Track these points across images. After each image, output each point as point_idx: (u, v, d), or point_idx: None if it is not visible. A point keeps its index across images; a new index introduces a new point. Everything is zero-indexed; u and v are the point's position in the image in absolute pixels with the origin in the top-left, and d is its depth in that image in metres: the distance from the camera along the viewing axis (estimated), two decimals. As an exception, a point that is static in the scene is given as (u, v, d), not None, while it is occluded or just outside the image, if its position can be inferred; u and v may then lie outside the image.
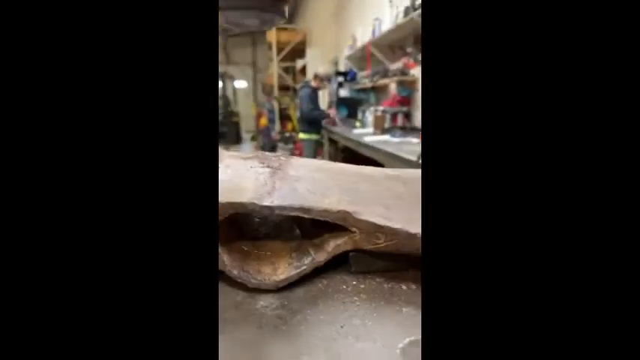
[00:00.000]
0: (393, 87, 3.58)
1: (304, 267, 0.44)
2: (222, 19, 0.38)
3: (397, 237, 0.42)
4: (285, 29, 7.60)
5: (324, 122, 4.04)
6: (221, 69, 9.52)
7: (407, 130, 2.98)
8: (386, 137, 2.80)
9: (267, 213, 0.43)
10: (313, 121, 3.92)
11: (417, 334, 0.35)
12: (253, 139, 8.83)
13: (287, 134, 7.05)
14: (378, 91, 4.07)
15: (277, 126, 7.24)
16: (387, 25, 3.42)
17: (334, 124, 4.15)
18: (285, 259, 0.45)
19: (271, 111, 7.39)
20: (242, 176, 0.48)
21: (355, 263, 0.47)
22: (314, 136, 4.04)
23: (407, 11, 2.95)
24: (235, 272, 0.42)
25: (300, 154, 5.80)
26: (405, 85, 3.38)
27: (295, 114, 5.98)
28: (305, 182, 0.47)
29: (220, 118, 8.55)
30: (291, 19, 9.10)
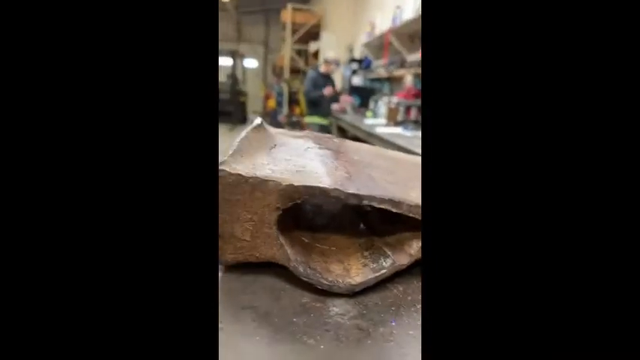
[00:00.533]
0: (409, 79, 3.49)
1: (384, 270, 0.38)
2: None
3: None
4: (301, 10, 7.44)
5: (334, 108, 3.95)
6: (232, 46, 9.39)
7: (420, 124, 2.91)
8: (398, 130, 2.73)
9: (354, 202, 0.37)
10: (315, 103, 3.83)
11: None
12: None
13: (294, 119, 6.97)
14: (393, 81, 3.98)
15: (285, 109, 7.15)
16: (408, 14, 3.31)
17: (344, 111, 4.07)
18: (356, 258, 0.39)
19: (280, 93, 7.29)
20: (304, 157, 0.42)
21: None
22: (318, 120, 3.95)
23: (432, 1, 2.84)
24: (301, 269, 0.36)
25: (307, 140, 5.72)
26: (422, 78, 3.29)
27: (303, 98, 5.89)
28: (377, 170, 0.41)
29: (227, 96, 8.46)
30: (308, 0, 8.92)
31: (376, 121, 3.35)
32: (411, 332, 0.33)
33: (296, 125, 6.87)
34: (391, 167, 0.44)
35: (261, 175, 0.36)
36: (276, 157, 0.42)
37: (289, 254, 0.37)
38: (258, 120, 0.50)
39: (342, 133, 4.25)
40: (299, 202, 0.36)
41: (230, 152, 0.38)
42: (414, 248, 0.39)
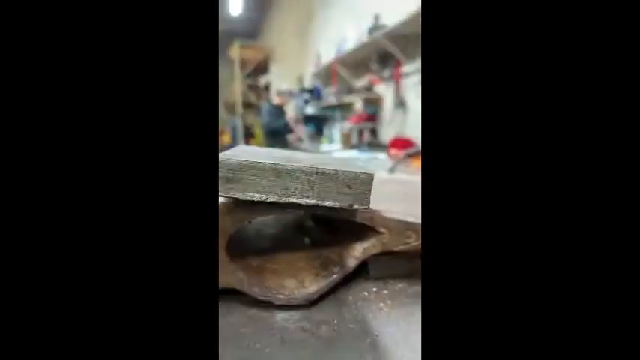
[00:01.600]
0: (358, 104, 3.62)
1: (335, 276, 0.39)
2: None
3: None
4: (248, 46, 7.58)
5: (290, 139, 4.01)
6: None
7: (374, 145, 3.01)
8: (354, 153, 2.81)
9: (292, 208, 0.38)
10: (276, 134, 3.88)
11: None
12: (216, 156, 8.63)
13: (251, 151, 6.94)
14: (344, 108, 4.11)
15: (241, 144, 7.13)
16: (351, 44, 3.47)
17: (300, 140, 4.13)
18: (307, 270, 0.40)
19: (234, 128, 7.28)
20: None
21: (374, 268, 0.43)
22: (279, 152, 3.98)
23: (370, 31, 3.01)
24: (257, 290, 0.37)
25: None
26: (371, 102, 3.43)
27: (259, 131, 5.92)
28: None
29: (181, 135, 8.28)
30: (254, 36, 9.11)
31: (332, 147, 3.42)
32: (351, 326, 0.35)
33: (253, 158, 6.83)
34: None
35: None
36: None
37: (242, 278, 0.37)
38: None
39: (300, 161, 4.29)
40: (247, 222, 0.37)
41: None
42: (359, 250, 0.41)
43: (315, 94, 4.63)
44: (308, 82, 5.21)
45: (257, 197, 0.35)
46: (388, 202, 0.46)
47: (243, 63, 7.43)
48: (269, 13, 7.64)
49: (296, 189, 0.36)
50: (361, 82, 3.54)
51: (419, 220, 0.41)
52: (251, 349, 0.31)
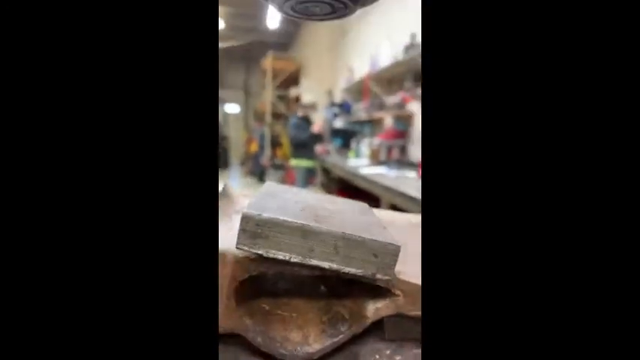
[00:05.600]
0: (389, 120, 3.61)
1: (341, 336, 0.38)
2: (287, 7, 0.33)
3: None
4: (281, 58, 7.73)
5: (317, 150, 4.03)
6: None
7: (403, 163, 2.98)
8: (382, 169, 2.79)
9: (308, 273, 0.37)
10: (303, 145, 3.91)
11: None
12: (242, 164, 8.77)
13: (277, 161, 7.02)
14: (374, 123, 4.10)
15: (268, 152, 7.22)
16: (384, 61, 3.48)
17: (327, 152, 4.15)
18: (315, 324, 0.39)
19: (262, 137, 7.39)
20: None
21: (390, 329, 0.40)
22: (305, 163, 4.01)
23: (407, 49, 3.01)
24: (260, 340, 0.36)
25: (292, 182, 5.76)
26: (402, 120, 3.41)
27: (286, 141, 5.98)
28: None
29: (210, 140, 8.46)
30: (287, 48, 9.28)
31: (359, 162, 3.42)
32: None
33: (279, 167, 6.91)
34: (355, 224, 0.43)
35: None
36: (234, 227, 0.42)
37: (248, 325, 0.37)
38: (220, 187, 0.51)
39: (327, 174, 4.30)
40: (255, 274, 0.37)
41: None
42: (370, 311, 0.39)
43: (344, 108, 4.65)
44: (338, 97, 5.24)
45: (280, 256, 0.35)
46: (414, 247, 0.42)
47: (275, 74, 7.57)
48: (304, 26, 7.77)
49: (321, 251, 0.35)
50: (393, 99, 3.53)
51: None
52: None
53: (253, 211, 0.34)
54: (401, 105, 3.33)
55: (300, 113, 3.93)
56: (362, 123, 4.33)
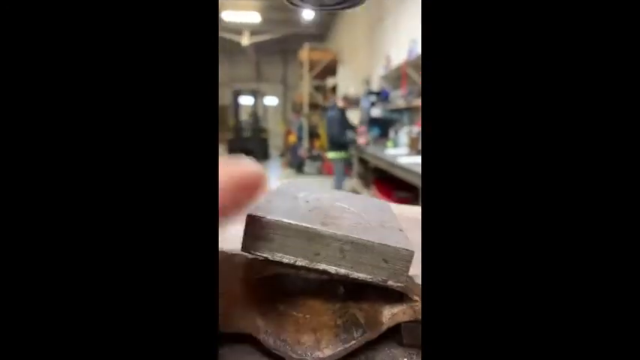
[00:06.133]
0: (428, 108, 3.51)
1: (354, 342, 0.36)
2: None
3: None
4: (317, 48, 7.71)
5: (354, 141, 4.01)
6: (252, 86, 9.74)
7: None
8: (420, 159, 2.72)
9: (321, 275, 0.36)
10: (341, 140, 3.90)
11: None
12: (282, 155, 8.90)
13: (315, 152, 7.06)
14: (413, 111, 4.01)
15: (306, 143, 7.27)
16: (423, 46, 3.37)
17: (366, 142, 4.11)
18: (329, 328, 0.38)
19: (300, 128, 7.44)
20: None
21: (408, 335, 0.38)
22: (341, 155, 4.00)
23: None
24: (271, 342, 0.36)
25: (329, 173, 5.77)
26: (441, 107, 3.31)
27: (324, 132, 5.99)
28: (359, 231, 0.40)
29: (249, 134, 8.68)
30: (324, 38, 9.24)
31: (398, 151, 3.36)
32: None
33: (317, 158, 6.95)
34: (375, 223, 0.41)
35: (227, 250, 0.36)
36: None
37: (260, 326, 0.36)
38: None
39: (364, 164, 4.27)
40: (266, 275, 0.36)
41: None
42: (386, 316, 0.37)
43: (382, 96, 4.57)
44: (376, 85, 5.16)
45: (286, 259, 0.34)
46: None
47: (312, 65, 7.57)
48: (340, 16, 7.69)
49: (328, 255, 0.34)
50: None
51: None
52: None
53: (257, 214, 0.34)
54: (440, 91, 3.22)
55: (340, 104, 3.91)
56: (400, 111, 4.24)
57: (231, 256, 0.36)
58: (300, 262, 0.34)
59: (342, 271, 0.35)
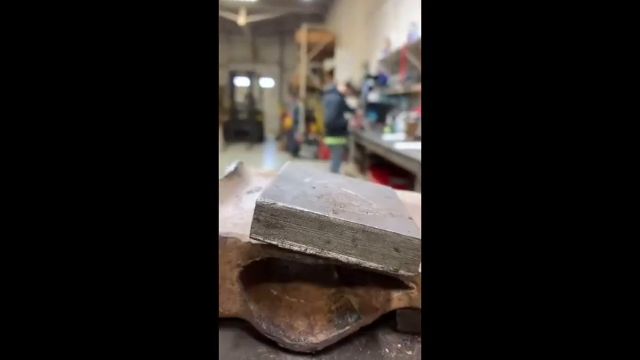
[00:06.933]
0: (426, 94, 3.47)
1: (348, 327, 0.36)
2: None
3: None
4: (315, 30, 7.57)
5: (351, 125, 3.97)
6: (248, 67, 9.59)
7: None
8: (419, 145, 2.70)
9: (312, 261, 0.35)
10: (337, 130, 3.86)
11: None
12: (277, 139, 8.83)
13: (311, 137, 7.00)
14: (411, 97, 3.96)
15: (302, 127, 7.20)
16: (424, 30, 3.31)
17: (362, 127, 4.07)
18: (323, 313, 0.38)
19: (297, 112, 7.36)
20: None
21: (402, 321, 0.38)
22: (338, 140, 3.97)
23: (448, 16, 2.85)
24: (264, 326, 0.35)
25: (325, 157, 5.74)
26: (440, 93, 3.27)
27: (321, 116, 5.92)
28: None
29: (245, 116, 8.59)
30: (322, 19, 9.08)
31: (395, 137, 3.33)
32: None
33: (313, 143, 6.90)
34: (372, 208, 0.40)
35: (221, 232, 0.35)
36: (244, 208, 0.41)
37: (253, 310, 0.36)
38: (232, 166, 0.50)
39: (361, 150, 4.24)
40: (258, 259, 0.35)
41: None
42: (381, 302, 0.37)
43: (380, 80, 4.51)
44: (374, 69, 5.09)
45: (296, 247, 0.33)
46: None
47: (310, 46, 7.44)
48: (339, -4, 7.53)
49: (339, 244, 0.33)
50: (432, 71, 3.37)
51: None
52: None
53: (268, 200, 0.33)
54: (440, 77, 3.18)
55: (340, 88, 3.85)
56: (398, 96, 4.19)
57: (222, 240, 0.35)
58: (311, 250, 0.33)
59: (353, 259, 0.34)
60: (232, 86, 8.78)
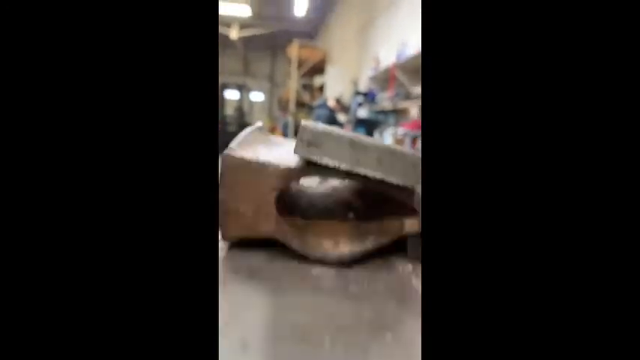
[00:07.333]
0: (414, 111, 3.56)
1: (368, 243, 0.42)
2: None
3: None
4: (307, 46, 7.70)
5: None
6: (239, 80, 9.65)
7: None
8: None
9: (344, 177, 0.41)
10: None
11: None
12: (265, 151, 8.82)
13: (300, 150, 7.03)
14: (399, 113, 4.05)
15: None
16: (412, 50, 3.42)
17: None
18: (345, 236, 0.44)
19: (286, 126, 7.41)
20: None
21: (412, 249, 0.44)
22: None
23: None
24: (296, 243, 0.41)
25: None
26: (427, 110, 3.35)
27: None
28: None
29: (234, 128, 8.60)
30: (313, 37, 9.24)
31: (383, 152, 3.38)
32: (379, 289, 0.36)
33: (301, 156, 6.91)
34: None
35: (263, 160, 0.41)
36: (273, 150, 0.48)
37: (286, 230, 0.41)
38: (259, 123, 0.57)
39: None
40: (295, 181, 0.42)
41: (234, 143, 0.44)
42: (396, 227, 0.43)
43: (369, 97, 4.61)
44: (364, 86, 5.20)
45: (331, 163, 0.39)
46: None
47: (301, 62, 7.55)
48: (331, 14, 7.71)
49: (366, 162, 0.39)
50: (419, 89, 3.48)
51: None
52: (283, 290, 0.35)
53: (310, 123, 0.39)
54: (427, 95, 3.27)
55: (330, 103, 3.91)
56: (386, 112, 4.28)
57: (263, 167, 0.41)
58: (344, 166, 0.39)
59: (379, 175, 0.39)
60: (222, 98, 8.82)
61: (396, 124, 4.01)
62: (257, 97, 10.80)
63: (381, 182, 0.40)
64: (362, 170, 0.39)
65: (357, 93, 4.91)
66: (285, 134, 7.33)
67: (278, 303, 0.32)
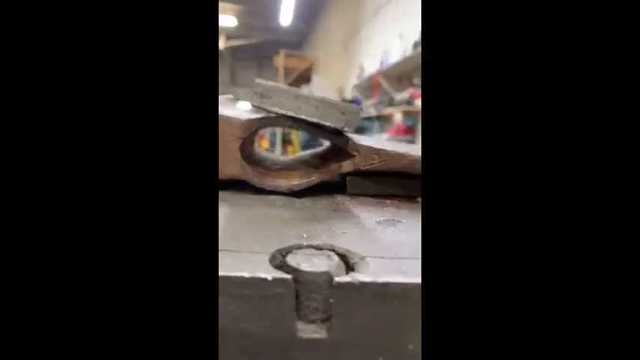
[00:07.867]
0: (398, 116, 3.64)
1: (313, 178, 0.54)
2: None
3: (388, 157, 0.53)
4: (293, 55, 7.78)
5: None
6: (226, 90, 9.66)
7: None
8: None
9: (303, 126, 0.52)
10: (312, 146, 3.97)
11: (395, 215, 0.45)
12: (253, 160, 8.80)
13: (287, 157, 7.04)
14: (383, 119, 4.13)
15: (278, 149, 7.27)
16: (395, 57, 3.51)
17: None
18: (296, 177, 0.56)
19: (273, 134, 7.45)
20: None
21: (351, 185, 0.56)
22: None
23: (416, 45, 3.04)
24: (256, 180, 0.52)
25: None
26: (410, 115, 3.44)
27: (297, 139, 6.03)
28: None
29: (222, 137, 8.56)
30: (299, 46, 9.33)
31: (368, 157, 3.44)
32: (321, 206, 0.48)
33: (289, 164, 6.92)
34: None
35: (227, 115, 0.52)
36: (236, 110, 0.60)
37: (248, 171, 0.52)
38: (229, 95, 0.72)
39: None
40: (255, 130, 0.52)
41: None
42: (335, 166, 0.54)
43: (355, 104, 4.68)
44: (349, 94, 5.28)
45: (280, 111, 0.49)
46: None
47: (287, 71, 7.62)
48: (317, 24, 7.82)
49: (307, 110, 0.49)
50: (402, 95, 3.56)
51: (383, 147, 0.54)
52: (246, 206, 0.47)
53: (261, 80, 0.50)
54: (410, 101, 3.36)
55: None
56: (371, 119, 4.36)
57: (228, 120, 0.52)
58: (289, 113, 0.50)
59: (315, 120, 0.50)
60: (210, 108, 8.78)
61: (381, 130, 4.08)
62: (244, 106, 10.80)
63: (321, 128, 0.51)
64: (303, 116, 0.49)
65: (343, 101, 4.98)
66: (272, 142, 7.36)
67: (239, 212, 0.43)
